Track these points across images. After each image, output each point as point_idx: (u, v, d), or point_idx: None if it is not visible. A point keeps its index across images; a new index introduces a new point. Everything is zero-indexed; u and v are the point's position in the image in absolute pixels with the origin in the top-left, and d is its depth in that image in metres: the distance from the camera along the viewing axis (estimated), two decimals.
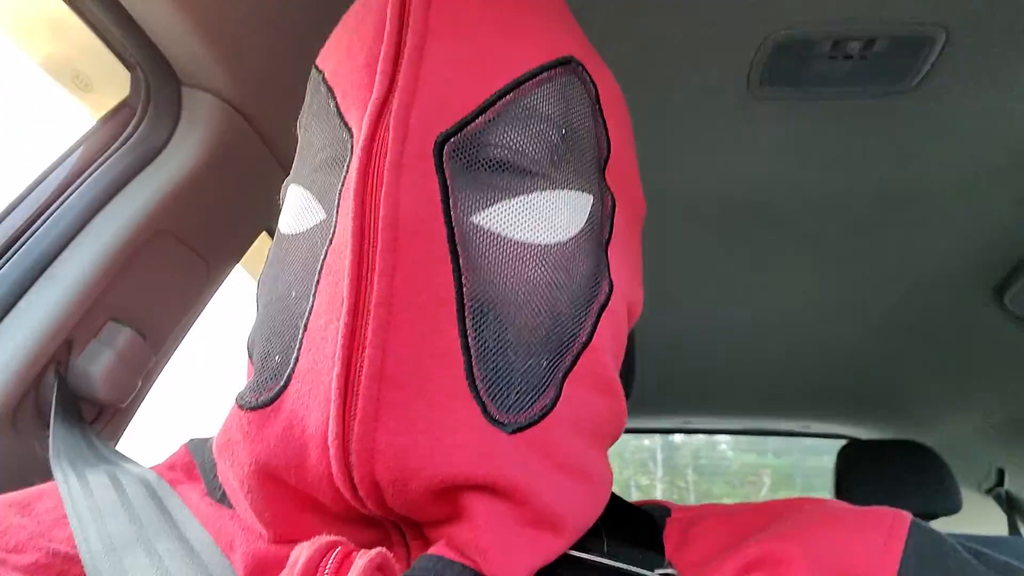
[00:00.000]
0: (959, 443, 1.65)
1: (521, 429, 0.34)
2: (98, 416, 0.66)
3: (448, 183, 0.36)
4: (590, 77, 0.43)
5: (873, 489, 1.47)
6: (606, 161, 0.44)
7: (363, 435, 0.31)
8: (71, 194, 0.65)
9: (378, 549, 0.28)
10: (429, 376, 0.33)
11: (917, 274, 1.18)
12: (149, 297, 0.69)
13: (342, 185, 0.36)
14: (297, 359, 0.35)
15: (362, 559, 0.27)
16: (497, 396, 0.34)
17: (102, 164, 0.67)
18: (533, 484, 0.34)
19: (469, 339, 0.34)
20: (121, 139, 0.68)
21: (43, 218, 0.63)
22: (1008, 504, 1.56)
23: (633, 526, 0.41)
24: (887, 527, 0.37)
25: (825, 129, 0.87)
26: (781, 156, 0.92)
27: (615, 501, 0.43)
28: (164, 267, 0.70)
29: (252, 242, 0.84)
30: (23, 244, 0.62)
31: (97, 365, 0.62)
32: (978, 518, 1.68)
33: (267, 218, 0.85)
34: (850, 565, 0.35)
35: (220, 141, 0.71)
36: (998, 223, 1.04)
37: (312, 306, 0.35)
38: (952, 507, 1.49)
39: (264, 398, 0.35)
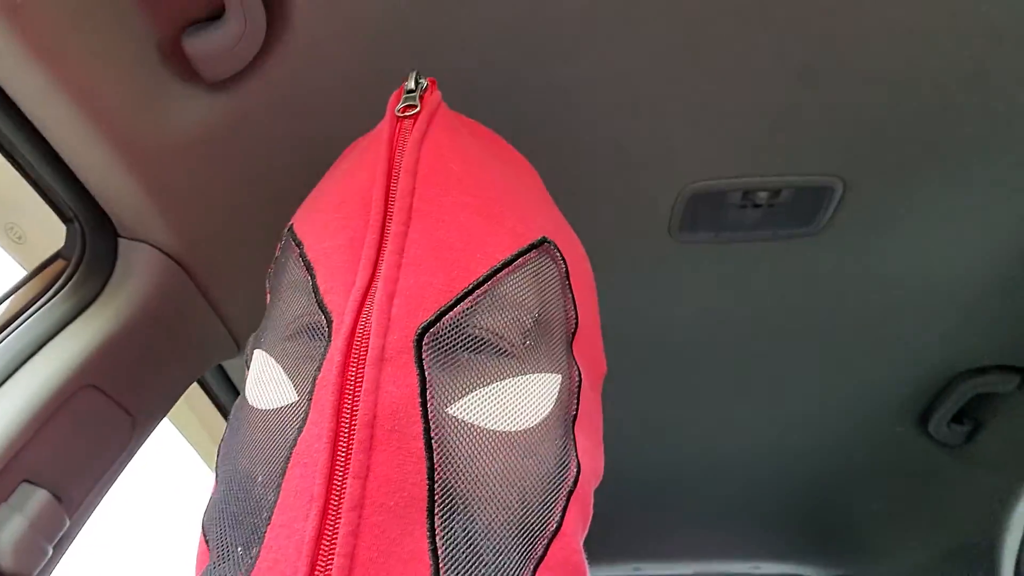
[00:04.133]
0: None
1: None
2: None
3: (426, 375, 0.35)
4: (560, 254, 0.44)
5: None
6: (574, 334, 0.44)
7: None
8: None
9: None
10: None
11: (843, 407, 1.22)
12: (68, 455, 0.65)
13: (318, 372, 0.35)
14: (258, 555, 0.33)
15: None
16: None
17: (29, 317, 0.65)
18: None
19: (437, 539, 0.33)
20: (52, 291, 0.66)
21: None
22: None
23: None
24: None
25: (742, 270, 0.92)
26: (704, 297, 0.97)
27: None
28: (87, 423, 0.66)
29: (181, 394, 0.81)
30: None
31: (6, 533, 0.57)
32: None
33: (198, 368, 0.83)
34: None
35: (155, 292, 0.69)
36: (913, 355, 1.10)
37: (279, 499, 0.33)
38: None
39: None
